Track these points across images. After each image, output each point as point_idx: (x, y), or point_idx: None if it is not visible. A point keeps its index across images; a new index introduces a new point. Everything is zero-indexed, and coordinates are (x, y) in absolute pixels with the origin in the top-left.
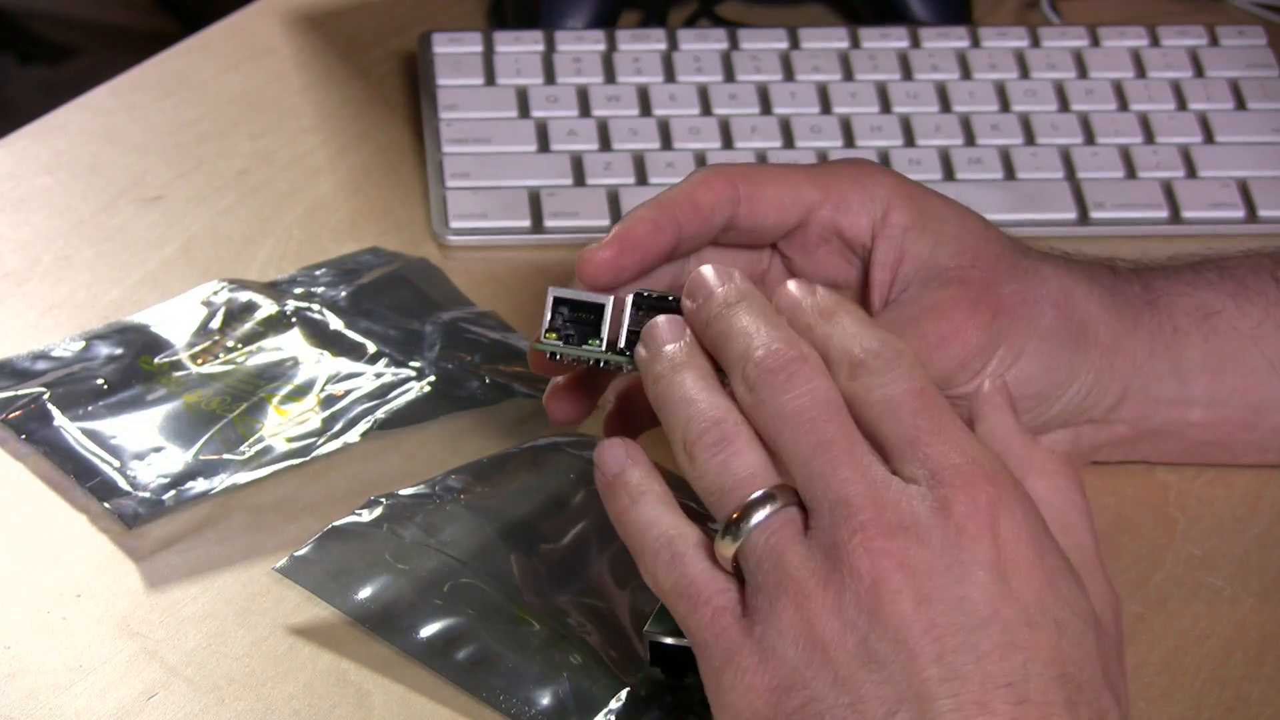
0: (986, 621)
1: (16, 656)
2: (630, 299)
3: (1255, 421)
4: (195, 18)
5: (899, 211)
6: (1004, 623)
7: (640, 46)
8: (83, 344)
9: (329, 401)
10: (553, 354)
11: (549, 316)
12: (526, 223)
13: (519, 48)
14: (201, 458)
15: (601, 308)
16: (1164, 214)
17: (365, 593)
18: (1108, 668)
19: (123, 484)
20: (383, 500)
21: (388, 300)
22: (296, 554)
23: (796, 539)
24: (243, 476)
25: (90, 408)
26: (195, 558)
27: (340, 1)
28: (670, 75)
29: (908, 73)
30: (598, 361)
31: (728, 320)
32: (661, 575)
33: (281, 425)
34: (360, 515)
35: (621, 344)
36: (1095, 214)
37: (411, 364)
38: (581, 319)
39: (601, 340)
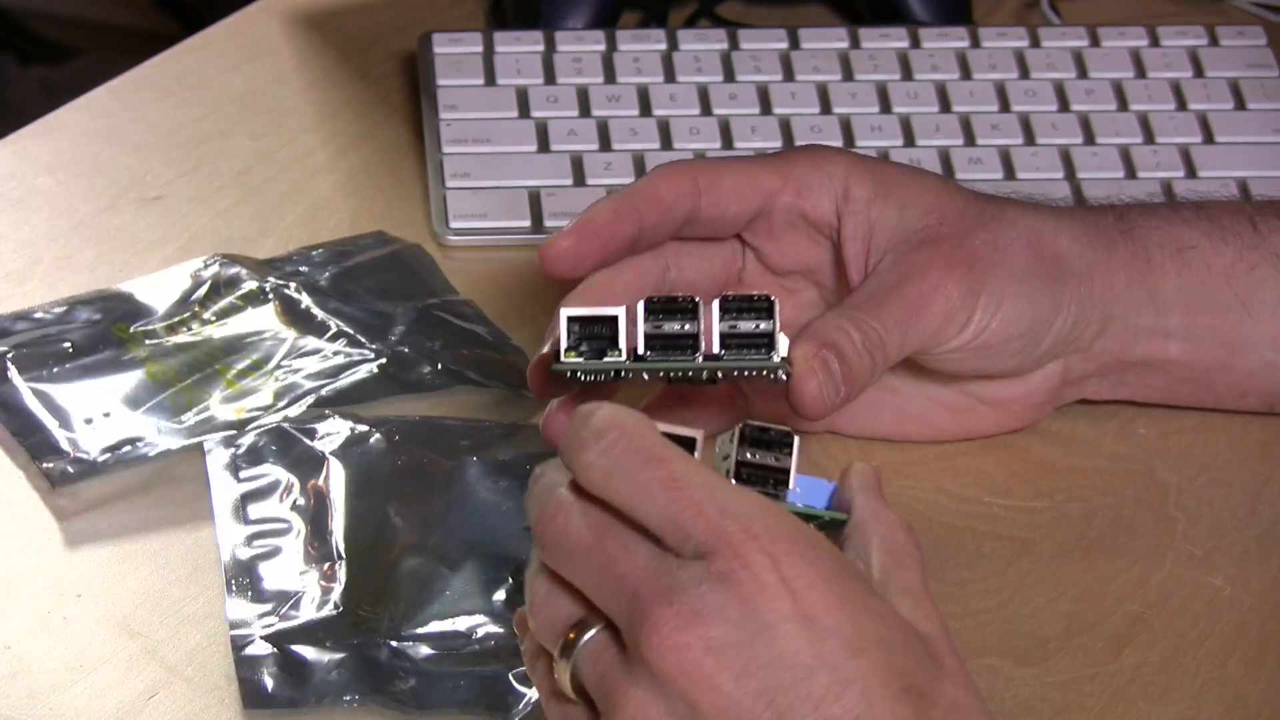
0: (811, 669)
1: (16, 656)
2: (641, 305)
3: (1230, 361)
4: (195, 18)
5: (859, 186)
6: (829, 662)
7: (640, 46)
8: (65, 308)
9: (282, 377)
10: (572, 373)
11: (564, 336)
12: (526, 223)
13: (519, 48)
14: (143, 423)
15: (615, 319)
16: None
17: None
18: (945, 666)
19: (62, 445)
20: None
21: (370, 283)
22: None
23: (615, 659)
24: (176, 442)
25: (56, 369)
26: (195, 558)
27: (340, 1)
28: (670, 75)
29: (908, 73)
30: (618, 373)
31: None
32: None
33: (231, 397)
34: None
35: (641, 350)
36: None
37: (371, 346)
38: (597, 333)
39: (621, 350)
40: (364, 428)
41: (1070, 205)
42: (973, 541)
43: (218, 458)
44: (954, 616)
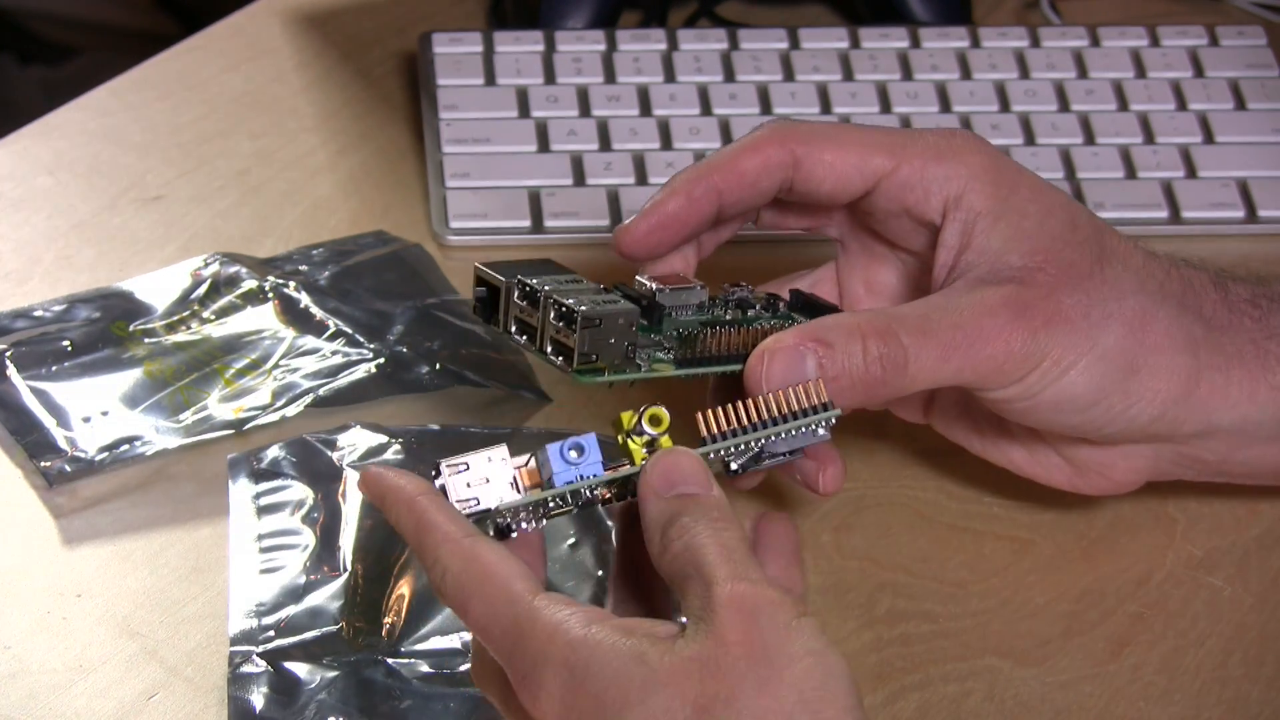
0: None
1: (16, 656)
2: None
3: None
4: (195, 18)
5: (977, 196)
6: None
7: (640, 46)
8: (65, 306)
9: (280, 376)
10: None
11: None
12: (526, 223)
13: (519, 48)
14: (141, 422)
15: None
16: (1164, 214)
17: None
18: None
19: (60, 443)
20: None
21: (369, 282)
22: None
23: None
24: (174, 441)
25: (55, 368)
26: (195, 558)
27: (340, 1)
28: (670, 75)
29: (908, 73)
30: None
31: None
32: None
33: (229, 396)
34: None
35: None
36: (1095, 214)
37: (369, 346)
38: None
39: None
40: (383, 438)
41: (1210, 289)
42: (973, 541)
43: (239, 470)
44: (954, 617)
